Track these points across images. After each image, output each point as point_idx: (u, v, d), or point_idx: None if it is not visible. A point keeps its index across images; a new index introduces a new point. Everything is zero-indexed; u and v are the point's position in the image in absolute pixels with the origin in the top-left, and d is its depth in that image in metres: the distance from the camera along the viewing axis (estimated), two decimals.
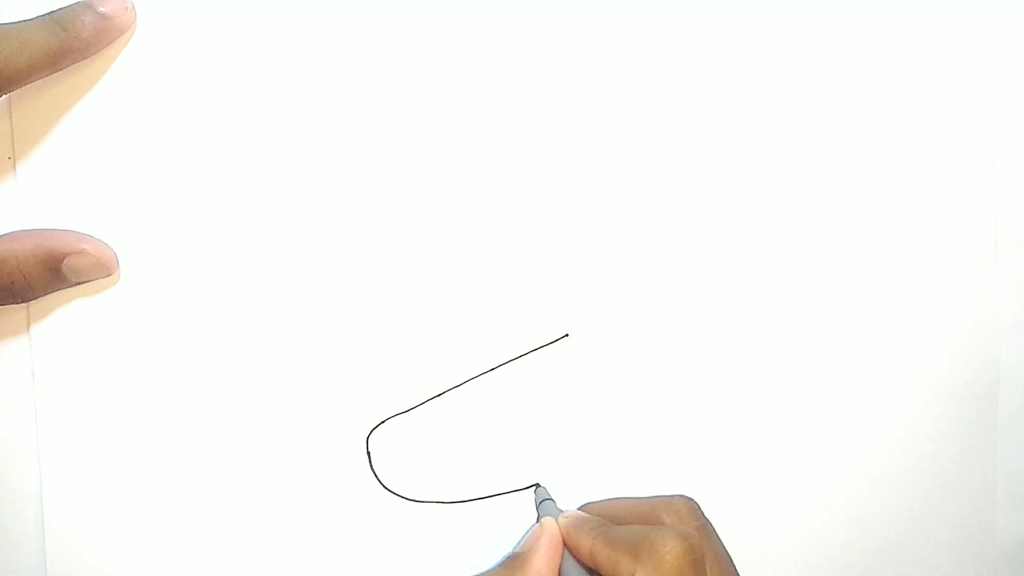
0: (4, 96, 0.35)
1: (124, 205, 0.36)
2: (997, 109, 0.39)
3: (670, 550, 0.31)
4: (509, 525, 0.38)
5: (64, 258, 0.35)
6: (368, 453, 0.38)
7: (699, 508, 0.35)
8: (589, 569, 0.34)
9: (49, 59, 0.33)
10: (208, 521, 0.37)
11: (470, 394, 0.38)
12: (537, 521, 0.37)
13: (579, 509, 0.36)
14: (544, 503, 0.37)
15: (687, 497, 0.35)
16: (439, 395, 0.38)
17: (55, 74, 0.34)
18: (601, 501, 0.37)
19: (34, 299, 0.35)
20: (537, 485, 0.38)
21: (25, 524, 0.37)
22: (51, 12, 0.34)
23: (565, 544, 0.35)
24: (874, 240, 0.39)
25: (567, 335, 0.38)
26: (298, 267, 0.37)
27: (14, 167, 0.36)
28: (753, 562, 0.39)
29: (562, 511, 0.36)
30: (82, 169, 0.36)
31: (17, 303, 0.35)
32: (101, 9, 0.34)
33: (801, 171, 0.39)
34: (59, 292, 0.36)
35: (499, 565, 0.35)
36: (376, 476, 0.38)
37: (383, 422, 0.38)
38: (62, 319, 0.36)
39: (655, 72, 0.38)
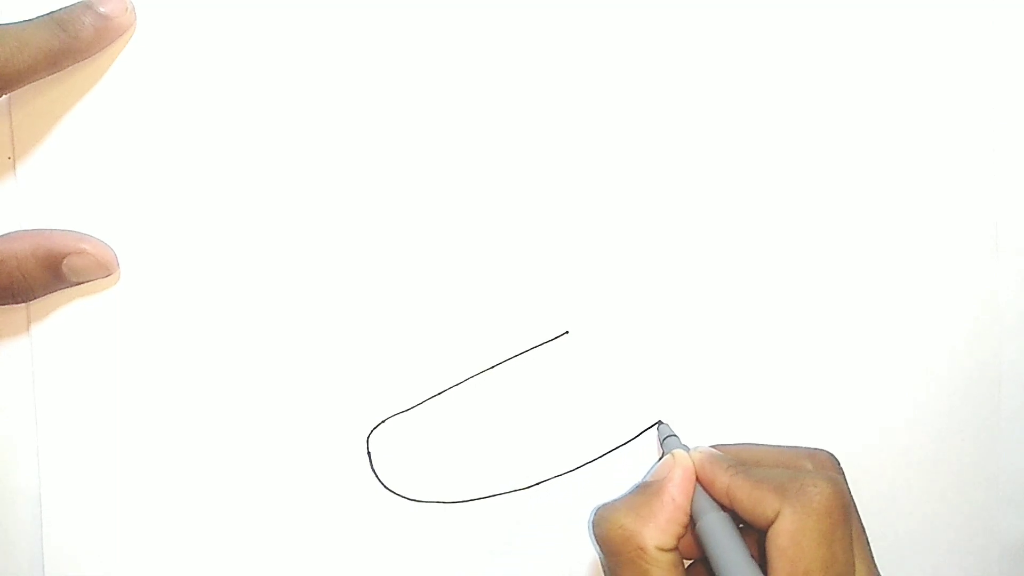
0: (4, 96, 0.35)
1: (124, 205, 0.36)
2: (997, 107, 0.39)
3: (820, 491, 0.31)
4: (509, 525, 0.38)
5: (64, 258, 0.35)
6: (368, 453, 0.38)
7: (840, 465, 0.35)
8: (721, 505, 0.33)
9: (49, 59, 0.33)
10: (208, 521, 0.37)
11: (470, 393, 0.38)
12: (661, 456, 0.36)
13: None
14: (668, 439, 0.37)
15: (829, 452, 0.35)
16: (439, 394, 0.38)
17: (55, 74, 0.34)
18: (734, 444, 0.37)
19: (34, 299, 0.36)
20: (660, 422, 0.38)
21: (24, 524, 0.37)
22: (51, 12, 0.34)
23: (697, 478, 0.34)
24: (874, 239, 0.39)
25: (567, 332, 0.38)
26: (298, 267, 0.37)
27: (14, 167, 0.36)
28: None
29: (687, 447, 0.36)
30: (82, 169, 0.36)
31: (17, 303, 0.35)
32: (101, 9, 0.34)
33: (801, 170, 0.39)
34: (59, 292, 0.36)
35: (630, 493, 0.35)
36: (377, 476, 0.38)
37: (383, 422, 0.38)
38: (62, 319, 0.36)
39: (652, 70, 0.38)
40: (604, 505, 0.34)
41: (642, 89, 0.38)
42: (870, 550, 0.33)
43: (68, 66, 0.34)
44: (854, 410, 0.39)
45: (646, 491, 0.34)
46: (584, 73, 0.38)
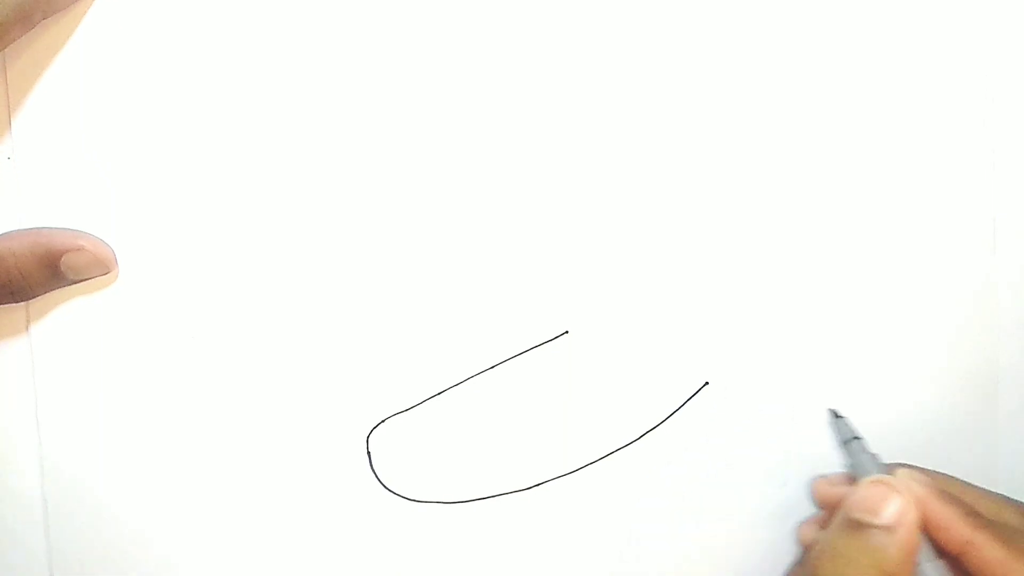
0: (3, 96, 0.35)
1: (122, 203, 0.36)
2: (996, 106, 0.40)
3: None
4: (509, 525, 0.38)
5: (62, 256, 0.35)
6: (368, 453, 0.37)
7: None
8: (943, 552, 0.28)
9: (20, 13, 0.32)
10: (209, 520, 0.37)
11: (470, 393, 0.38)
12: (848, 463, 0.30)
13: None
14: (853, 444, 0.29)
15: None
16: (439, 394, 0.38)
17: (55, 75, 0.34)
18: (937, 472, 0.31)
19: (33, 298, 0.35)
20: (836, 414, 0.31)
21: (25, 525, 0.36)
22: None
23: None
24: (871, 237, 0.39)
25: (567, 332, 0.38)
26: (297, 265, 0.37)
27: (14, 165, 0.36)
28: (757, 559, 0.39)
29: (882, 463, 0.29)
30: (81, 167, 0.36)
31: (16, 302, 0.35)
32: None
33: (800, 169, 0.39)
34: (58, 290, 0.36)
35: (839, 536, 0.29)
36: (376, 476, 0.37)
37: (383, 421, 0.37)
38: (62, 318, 0.36)
39: (650, 70, 0.38)
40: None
41: (639, 88, 0.38)
42: None
43: (40, 21, 0.33)
44: (851, 410, 0.39)
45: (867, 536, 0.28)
46: (582, 73, 0.38)
